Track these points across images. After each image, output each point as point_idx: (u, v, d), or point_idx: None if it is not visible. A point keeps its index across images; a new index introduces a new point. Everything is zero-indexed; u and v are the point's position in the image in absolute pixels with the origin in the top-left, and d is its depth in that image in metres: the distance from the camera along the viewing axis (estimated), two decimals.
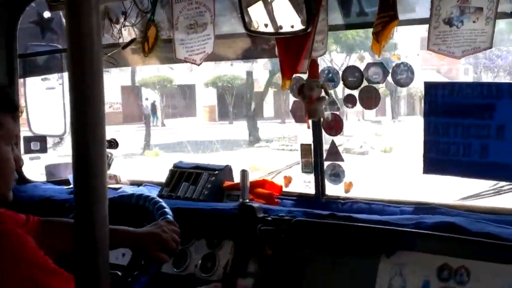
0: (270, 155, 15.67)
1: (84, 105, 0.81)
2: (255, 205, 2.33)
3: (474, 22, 1.88)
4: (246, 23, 2.36)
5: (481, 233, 1.81)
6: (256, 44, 2.65)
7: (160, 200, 2.06)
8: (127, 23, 2.99)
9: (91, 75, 0.81)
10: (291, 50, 2.24)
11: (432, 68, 23.71)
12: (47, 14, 3.35)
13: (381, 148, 17.35)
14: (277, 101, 27.83)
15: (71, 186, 3.10)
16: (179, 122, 26.70)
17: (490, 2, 1.85)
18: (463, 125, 1.99)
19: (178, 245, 1.87)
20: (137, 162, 15.42)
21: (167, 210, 1.98)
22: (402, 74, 2.18)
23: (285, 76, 2.28)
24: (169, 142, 19.92)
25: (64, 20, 3.36)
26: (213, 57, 2.68)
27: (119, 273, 1.90)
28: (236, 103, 26.67)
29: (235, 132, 21.08)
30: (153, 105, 25.59)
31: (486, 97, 1.93)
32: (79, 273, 0.84)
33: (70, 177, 3.16)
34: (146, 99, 25.18)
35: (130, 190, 2.90)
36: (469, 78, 23.90)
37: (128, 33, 3.01)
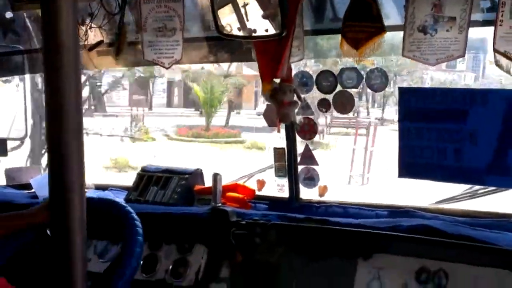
0: None
1: (61, 106, 0.70)
2: (228, 209, 2.11)
3: (447, 30, 1.82)
4: (219, 27, 2.16)
5: (459, 235, 1.70)
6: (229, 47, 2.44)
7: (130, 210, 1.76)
8: (93, 25, 2.70)
9: (68, 75, 0.70)
10: (270, 55, 2.08)
11: None
12: (9, 15, 2.98)
13: None
14: None
15: (33, 190, 2.76)
16: None
17: (463, 11, 1.77)
18: (437, 130, 1.87)
19: None
20: None
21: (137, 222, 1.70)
22: (376, 80, 2.05)
23: (264, 80, 2.10)
24: None
25: (27, 21, 3.02)
26: (182, 60, 2.45)
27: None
28: None
29: None
30: None
31: (459, 103, 1.83)
32: (56, 277, 0.76)
33: (32, 181, 2.81)
34: None
35: (95, 194, 2.58)
36: None
37: (94, 35, 2.72)
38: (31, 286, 1.73)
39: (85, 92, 17.02)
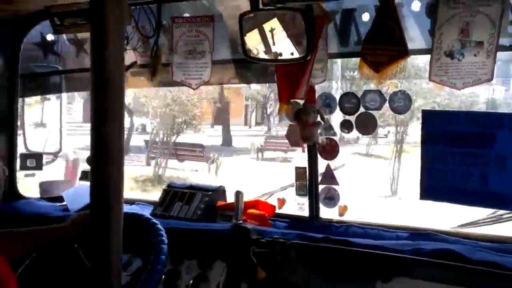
0: None
1: (105, 123, 0.76)
2: (249, 226, 2.11)
3: (475, 55, 1.80)
4: (246, 50, 2.21)
5: (483, 261, 1.61)
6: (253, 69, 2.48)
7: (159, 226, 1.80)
8: (127, 47, 2.81)
9: (112, 95, 0.75)
10: (290, 77, 2.12)
11: None
12: (50, 37, 3.14)
13: None
14: None
15: (65, 203, 2.84)
16: None
17: (491, 36, 1.74)
18: (462, 153, 1.82)
19: None
20: None
21: (164, 238, 1.74)
22: (400, 102, 2.03)
23: (282, 100, 2.12)
24: None
25: (67, 43, 3.16)
26: (209, 82, 2.51)
27: None
28: None
29: None
30: None
31: (485, 127, 1.78)
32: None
33: (64, 194, 2.90)
34: None
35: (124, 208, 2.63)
36: None
37: (128, 56, 2.83)
38: None
39: None
